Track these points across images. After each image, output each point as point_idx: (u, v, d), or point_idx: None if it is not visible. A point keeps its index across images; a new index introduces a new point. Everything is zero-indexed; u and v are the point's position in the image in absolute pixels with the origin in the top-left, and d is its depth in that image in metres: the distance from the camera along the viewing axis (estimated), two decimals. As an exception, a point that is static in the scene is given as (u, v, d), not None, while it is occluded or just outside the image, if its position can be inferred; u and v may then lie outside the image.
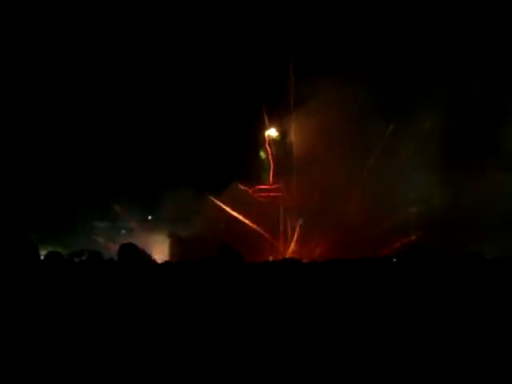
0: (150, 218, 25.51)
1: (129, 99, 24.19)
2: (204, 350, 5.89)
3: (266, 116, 24.99)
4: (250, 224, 24.04)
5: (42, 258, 7.54)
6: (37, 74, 23.27)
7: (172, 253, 23.70)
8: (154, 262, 15.90)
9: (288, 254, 24.09)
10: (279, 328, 6.29)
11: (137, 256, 7.24)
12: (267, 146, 25.54)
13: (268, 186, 25.30)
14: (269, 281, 7.77)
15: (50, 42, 23.09)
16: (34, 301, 5.31)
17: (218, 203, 24.46)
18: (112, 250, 19.97)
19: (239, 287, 7.66)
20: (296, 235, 24.57)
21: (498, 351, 5.67)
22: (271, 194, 25.01)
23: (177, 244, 24.13)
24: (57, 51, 23.40)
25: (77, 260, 11.31)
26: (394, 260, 17.05)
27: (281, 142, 25.62)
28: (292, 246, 24.61)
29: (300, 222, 24.41)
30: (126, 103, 24.21)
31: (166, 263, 14.83)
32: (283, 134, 25.55)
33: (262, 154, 25.71)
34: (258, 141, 25.55)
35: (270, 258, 22.92)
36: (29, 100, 23.57)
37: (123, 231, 25.62)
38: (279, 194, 24.93)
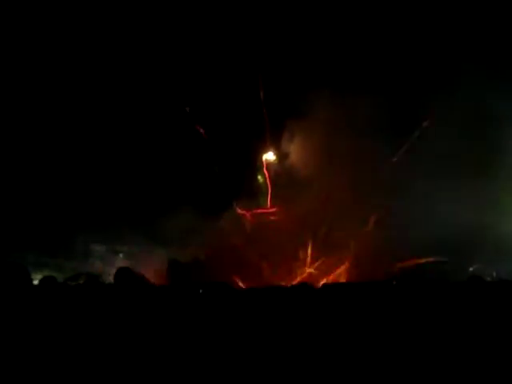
0: (148, 240, 25.29)
1: (127, 117, 24.15)
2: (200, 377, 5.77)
3: (268, 137, 24.93)
4: (251, 247, 23.90)
5: (37, 282, 7.42)
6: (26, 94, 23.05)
7: (170, 277, 23.51)
8: (151, 285, 15.73)
9: (289, 279, 23.91)
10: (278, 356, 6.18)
11: (133, 280, 7.12)
12: (265, 169, 25.57)
13: (266, 209, 25.22)
14: (266, 308, 7.66)
15: (45, 44, 22.89)
16: (26, 327, 5.20)
17: (219, 226, 24.35)
18: (109, 273, 19.80)
19: (235, 314, 7.54)
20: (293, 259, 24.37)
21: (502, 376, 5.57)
22: (270, 217, 24.92)
23: (175, 268, 23.94)
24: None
25: (73, 284, 11.17)
26: (394, 283, 16.88)
27: (280, 165, 25.61)
28: (292, 270, 24.42)
29: (300, 245, 24.28)
30: (124, 122, 24.17)
31: (162, 287, 14.68)
32: (283, 156, 25.51)
33: (260, 178, 25.69)
34: (256, 164, 25.56)
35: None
36: (27, 116, 23.45)
37: (121, 255, 25.42)
38: (278, 217, 24.84)
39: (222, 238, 23.78)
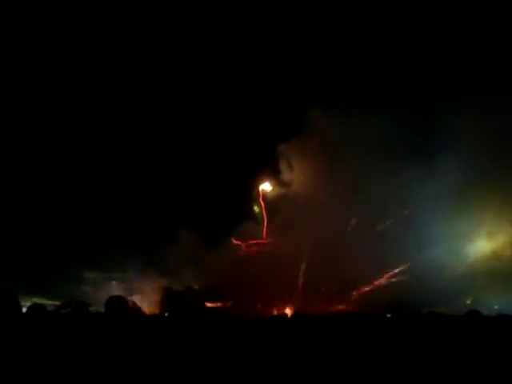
0: (142, 268, 25.14)
1: (125, 143, 24.28)
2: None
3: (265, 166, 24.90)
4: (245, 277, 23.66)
5: (25, 309, 7.29)
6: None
7: (164, 305, 23.26)
8: (144, 314, 15.55)
9: (282, 309, 23.62)
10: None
11: (125, 309, 7.01)
12: (261, 200, 25.47)
13: (262, 239, 25.03)
14: (258, 338, 7.55)
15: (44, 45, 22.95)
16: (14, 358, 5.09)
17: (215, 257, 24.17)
18: (101, 301, 19.52)
19: (231, 344, 7.42)
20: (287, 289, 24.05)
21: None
22: (265, 248, 24.69)
23: (169, 296, 23.71)
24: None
25: (62, 311, 10.96)
26: (388, 316, 16.62)
27: (278, 195, 25.48)
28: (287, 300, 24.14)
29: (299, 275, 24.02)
30: (121, 147, 24.29)
31: (155, 316, 14.50)
32: (282, 185, 25.37)
33: (256, 209, 25.58)
34: (252, 194, 25.48)
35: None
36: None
37: (114, 282, 25.21)
38: (273, 248, 24.60)
39: (217, 267, 23.63)
